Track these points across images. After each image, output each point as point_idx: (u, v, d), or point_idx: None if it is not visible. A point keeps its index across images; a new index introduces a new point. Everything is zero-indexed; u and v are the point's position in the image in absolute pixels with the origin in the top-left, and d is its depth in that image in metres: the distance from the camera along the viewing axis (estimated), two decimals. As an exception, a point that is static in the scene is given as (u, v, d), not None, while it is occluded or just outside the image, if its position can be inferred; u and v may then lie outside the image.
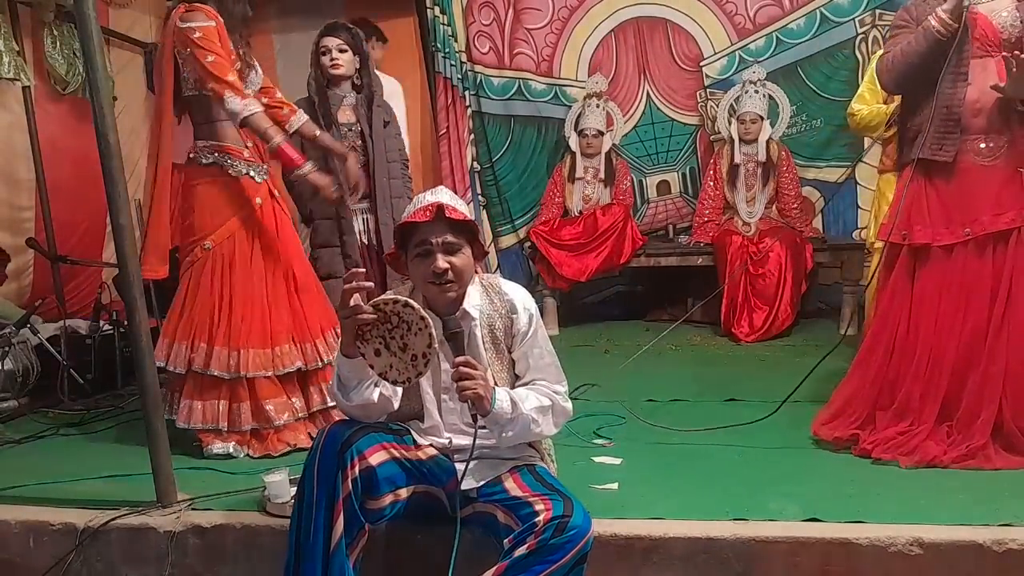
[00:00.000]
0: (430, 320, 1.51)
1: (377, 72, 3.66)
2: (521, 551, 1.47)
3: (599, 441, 2.42)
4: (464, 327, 1.67)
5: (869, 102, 3.24)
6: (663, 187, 5.02)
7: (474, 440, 1.56)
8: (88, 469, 2.34)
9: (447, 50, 4.89)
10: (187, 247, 2.52)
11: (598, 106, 4.65)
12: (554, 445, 1.90)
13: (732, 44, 4.76)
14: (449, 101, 4.91)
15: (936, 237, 2.17)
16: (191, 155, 2.51)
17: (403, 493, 1.64)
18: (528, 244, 4.70)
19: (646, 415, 2.65)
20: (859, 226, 4.52)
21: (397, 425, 1.72)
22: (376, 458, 1.58)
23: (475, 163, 5.01)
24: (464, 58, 4.92)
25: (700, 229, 4.49)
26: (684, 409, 2.72)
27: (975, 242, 2.14)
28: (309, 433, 2.51)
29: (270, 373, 2.46)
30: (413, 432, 1.71)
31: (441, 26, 4.87)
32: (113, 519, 1.94)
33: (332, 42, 2.93)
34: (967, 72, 2.11)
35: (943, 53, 2.10)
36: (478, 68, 4.93)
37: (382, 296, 1.55)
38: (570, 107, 4.84)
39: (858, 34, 4.48)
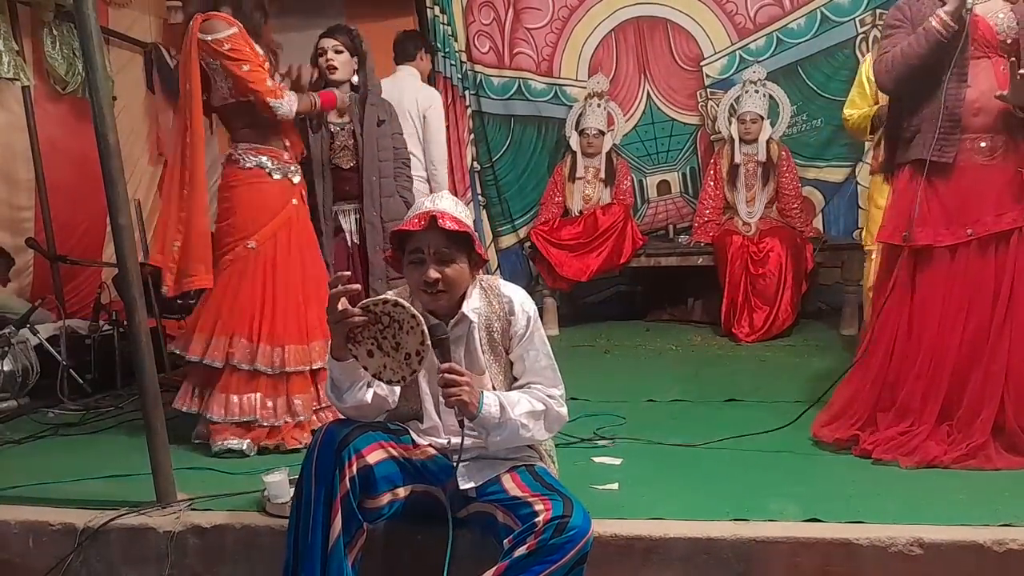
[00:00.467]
0: (421, 318, 1.51)
1: (422, 83, 3.86)
2: (521, 551, 1.47)
3: (599, 441, 2.42)
4: (461, 330, 1.67)
5: (860, 106, 3.27)
6: (663, 187, 5.02)
7: (461, 444, 1.57)
8: (88, 469, 2.34)
9: (447, 50, 4.89)
10: (227, 246, 2.55)
11: (599, 106, 4.65)
12: (555, 445, 1.90)
13: (732, 44, 4.76)
14: (449, 101, 4.91)
15: (937, 238, 2.16)
16: (231, 157, 2.56)
17: (401, 492, 1.64)
18: (528, 244, 4.70)
19: (646, 415, 2.65)
20: (859, 226, 4.52)
21: (396, 425, 1.71)
22: (374, 457, 1.58)
23: (475, 163, 5.02)
24: (464, 58, 4.92)
25: (700, 229, 4.49)
26: (685, 409, 2.72)
27: (977, 242, 2.14)
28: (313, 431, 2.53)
29: (306, 368, 2.54)
30: (412, 432, 1.71)
31: (441, 26, 4.87)
32: (113, 519, 1.94)
33: (328, 43, 2.93)
34: (967, 73, 2.11)
35: (942, 54, 2.10)
36: (478, 68, 4.94)
37: (372, 298, 1.55)
38: (570, 107, 4.84)
39: (858, 34, 4.48)
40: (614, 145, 4.73)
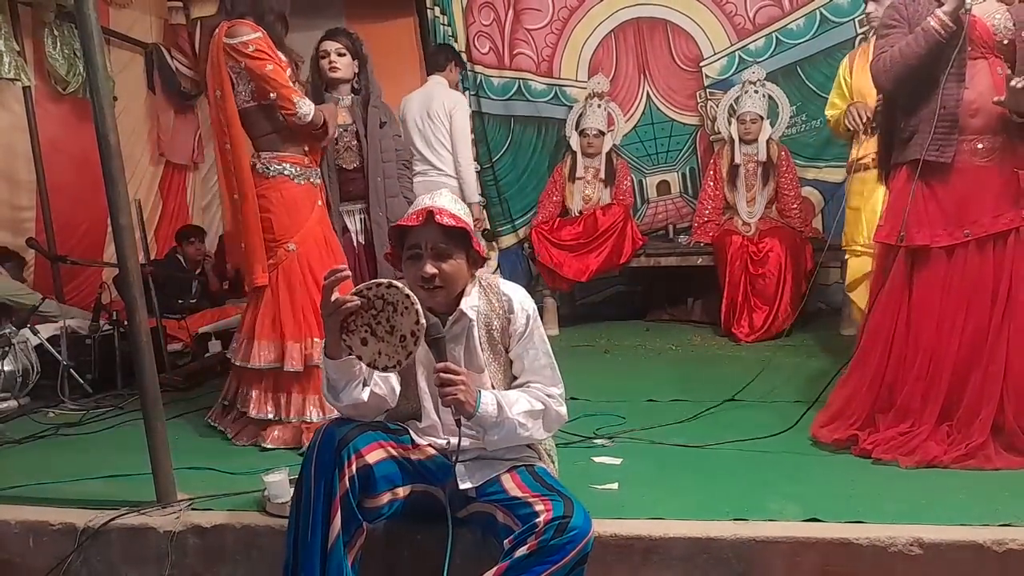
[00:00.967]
0: (415, 298, 1.52)
1: (450, 90, 4.01)
2: (522, 551, 1.47)
3: (599, 441, 2.42)
4: (460, 328, 1.67)
5: (840, 107, 3.31)
6: (663, 187, 5.02)
7: (458, 444, 1.57)
8: (88, 469, 2.34)
9: (447, 50, 4.89)
10: (268, 251, 2.58)
11: (599, 106, 4.65)
12: (555, 445, 1.90)
13: (732, 44, 4.77)
14: (449, 101, 4.91)
15: (935, 239, 2.17)
16: (255, 166, 2.59)
17: (401, 492, 1.64)
18: (528, 245, 4.70)
19: (646, 415, 2.65)
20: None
21: (395, 424, 1.72)
22: (373, 456, 1.58)
23: (475, 163, 5.02)
24: (464, 58, 4.92)
25: (700, 229, 4.50)
26: (685, 409, 2.72)
27: (975, 243, 2.14)
28: None
29: None
30: (411, 432, 1.71)
31: (441, 26, 4.87)
32: (113, 519, 1.94)
33: (331, 46, 2.94)
34: (964, 73, 2.11)
35: (940, 55, 2.10)
36: (478, 68, 4.94)
37: (365, 283, 1.55)
38: (570, 107, 4.84)
39: (858, 34, 4.48)
40: (614, 145, 4.73)
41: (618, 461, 2.23)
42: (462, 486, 1.62)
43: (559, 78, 4.97)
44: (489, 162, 4.98)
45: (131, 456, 2.30)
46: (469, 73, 4.91)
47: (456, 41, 4.91)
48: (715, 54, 4.80)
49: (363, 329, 1.53)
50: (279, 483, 1.91)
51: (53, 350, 3.37)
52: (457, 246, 1.62)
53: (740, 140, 4.35)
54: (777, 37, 4.67)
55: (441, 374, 1.54)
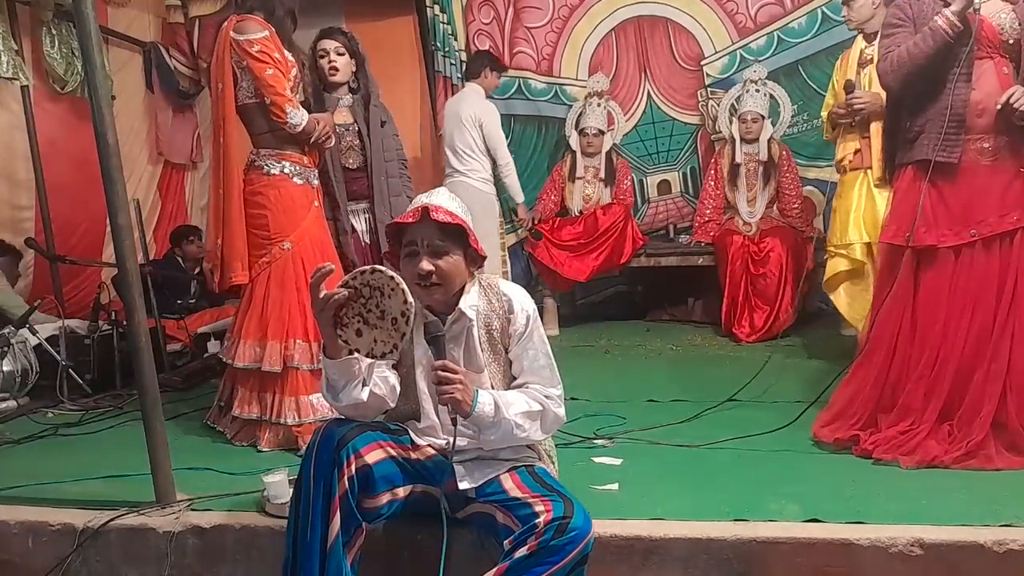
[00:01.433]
0: (399, 278, 1.52)
1: (481, 98, 4.19)
2: (522, 552, 1.47)
3: (599, 441, 2.42)
4: (460, 327, 1.67)
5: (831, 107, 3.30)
6: (664, 187, 5.02)
7: (453, 442, 1.57)
8: (88, 469, 2.34)
9: (447, 49, 4.88)
10: (262, 248, 2.57)
11: (599, 105, 4.65)
12: (555, 445, 1.90)
13: (733, 43, 4.76)
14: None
15: (941, 239, 2.16)
16: (254, 163, 2.58)
17: (400, 492, 1.64)
18: (526, 250, 4.69)
19: (646, 415, 2.65)
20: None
21: (395, 425, 1.71)
22: (373, 456, 1.58)
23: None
24: (464, 57, 4.91)
25: (701, 229, 4.49)
26: (685, 409, 2.72)
27: (981, 243, 2.14)
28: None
29: None
30: (411, 432, 1.71)
31: (441, 25, 4.87)
32: (113, 519, 1.94)
33: (330, 44, 2.93)
34: (971, 73, 2.11)
35: (947, 54, 2.10)
36: (478, 67, 4.93)
37: (350, 273, 1.55)
38: (570, 106, 4.84)
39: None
40: (614, 145, 4.72)
41: (618, 461, 2.22)
42: (461, 486, 1.62)
43: (559, 77, 4.97)
44: (489, 162, 4.97)
45: (131, 456, 2.30)
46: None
47: (456, 40, 4.90)
48: (716, 53, 4.79)
49: (355, 320, 1.53)
50: (279, 483, 1.90)
51: (52, 350, 3.36)
52: (454, 243, 1.62)
53: (741, 139, 4.35)
54: (778, 36, 4.66)
55: (439, 372, 1.53)
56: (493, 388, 1.67)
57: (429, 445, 1.70)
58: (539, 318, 1.75)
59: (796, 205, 4.35)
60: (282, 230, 2.56)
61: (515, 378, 1.72)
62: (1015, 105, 2.02)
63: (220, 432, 2.69)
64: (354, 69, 3.00)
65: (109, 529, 1.92)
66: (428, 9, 4.86)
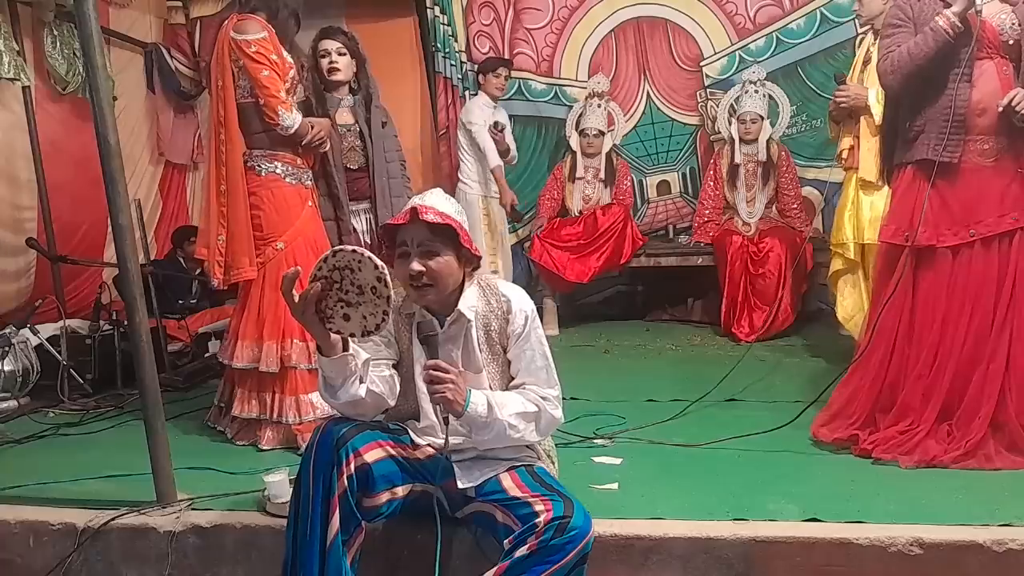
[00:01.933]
0: (362, 249, 1.52)
1: (471, 102, 4.25)
2: (522, 551, 1.47)
3: (598, 441, 2.42)
4: (458, 328, 1.67)
5: None
6: (663, 187, 5.02)
7: (447, 441, 1.57)
8: (88, 469, 2.34)
9: (447, 50, 4.89)
10: (256, 249, 2.56)
11: (599, 106, 4.65)
12: (555, 445, 1.90)
13: (732, 44, 4.76)
14: (449, 101, 4.92)
15: (940, 238, 2.17)
16: (246, 163, 2.58)
17: (400, 491, 1.64)
18: (527, 252, 4.69)
19: (646, 415, 2.65)
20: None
21: (395, 425, 1.72)
22: (372, 455, 1.58)
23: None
24: (464, 58, 4.92)
25: (700, 229, 4.49)
26: (685, 409, 2.72)
27: (980, 243, 2.14)
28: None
29: None
30: (411, 432, 1.71)
31: (441, 26, 4.87)
32: (113, 519, 1.94)
33: (331, 45, 2.93)
34: (972, 73, 2.11)
35: (948, 54, 2.10)
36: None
37: (315, 265, 1.54)
38: (570, 107, 4.84)
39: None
40: (614, 145, 4.73)
41: (618, 461, 2.23)
42: (461, 485, 1.62)
43: (559, 78, 4.97)
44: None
45: (131, 456, 2.30)
46: (469, 73, 4.91)
47: (456, 41, 4.90)
48: (715, 54, 4.80)
49: (338, 307, 1.53)
50: (279, 483, 1.91)
51: (53, 350, 3.36)
52: (444, 243, 1.61)
53: (740, 140, 4.35)
54: (777, 37, 4.67)
55: (430, 371, 1.53)
56: (491, 388, 1.67)
57: (429, 444, 1.70)
58: (538, 319, 1.75)
59: (795, 205, 4.36)
60: (275, 230, 2.56)
61: (513, 378, 1.72)
62: (1016, 108, 2.02)
63: (220, 432, 2.70)
64: (355, 70, 2.99)
65: (110, 529, 1.93)
66: (428, 10, 4.86)
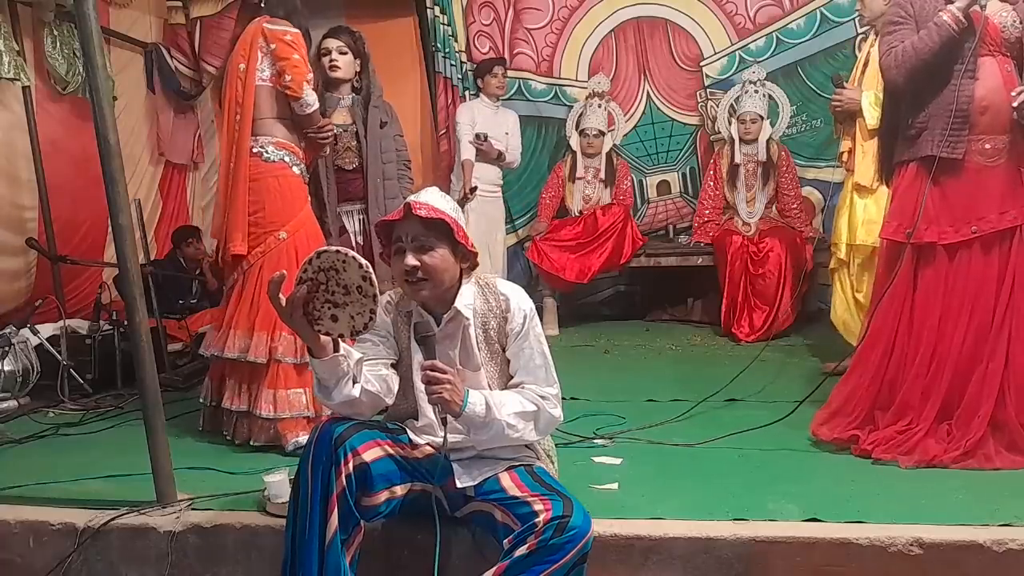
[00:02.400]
0: (345, 249, 1.52)
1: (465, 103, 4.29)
2: (521, 551, 1.47)
3: (598, 441, 2.42)
4: (456, 326, 1.67)
5: None
6: (663, 187, 5.02)
7: (444, 441, 1.57)
8: (88, 469, 2.34)
9: (447, 50, 4.89)
10: (257, 238, 2.55)
11: (600, 106, 4.65)
12: (554, 445, 1.90)
13: (732, 44, 4.77)
14: (449, 101, 4.92)
15: (942, 236, 2.17)
16: (252, 150, 2.57)
17: (399, 490, 1.64)
18: (526, 248, 4.69)
19: (646, 415, 2.65)
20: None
21: (394, 424, 1.72)
22: (370, 455, 1.58)
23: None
24: (464, 58, 4.92)
25: (700, 229, 4.50)
26: (685, 409, 2.72)
27: (981, 240, 2.14)
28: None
29: None
30: (409, 431, 1.71)
31: (441, 26, 4.87)
32: (113, 519, 1.94)
33: (333, 43, 2.93)
34: (975, 70, 2.12)
35: (952, 50, 2.11)
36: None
37: (299, 268, 1.55)
38: (570, 107, 4.84)
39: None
40: (614, 145, 4.73)
41: (618, 461, 2.23)
42: (460, 484, 1.62)
43: (559, 78, 4.97)
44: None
45: (131, 456, 2.30)
46: (469, 73, 4.91)
47: (456, 41, 4.91)
48: (715, 54, 4.80)
49: (326, 308, 1.53)
50: (279, 483, 1.91)
51: (53, 350, 3.36)
52: (439, 238, 1.61)
53: (740, 140, 4.36)
54: (777, 37, 4.67)
55: (427, 372, 1.53)
56: (490, 387, 1.67)
57: (428, 444, 1.70)
58: (537, 317, 1.74)
59: (795, 205, 4.36)
60: (278, 218, 2.54)
61: (512, 377, 1.72)
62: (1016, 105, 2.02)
63: (220, 431, 2.69)
64: (358, 69, 2.99)
65: (110, 529, 1.93)
66: (428, 10, 4.86)
